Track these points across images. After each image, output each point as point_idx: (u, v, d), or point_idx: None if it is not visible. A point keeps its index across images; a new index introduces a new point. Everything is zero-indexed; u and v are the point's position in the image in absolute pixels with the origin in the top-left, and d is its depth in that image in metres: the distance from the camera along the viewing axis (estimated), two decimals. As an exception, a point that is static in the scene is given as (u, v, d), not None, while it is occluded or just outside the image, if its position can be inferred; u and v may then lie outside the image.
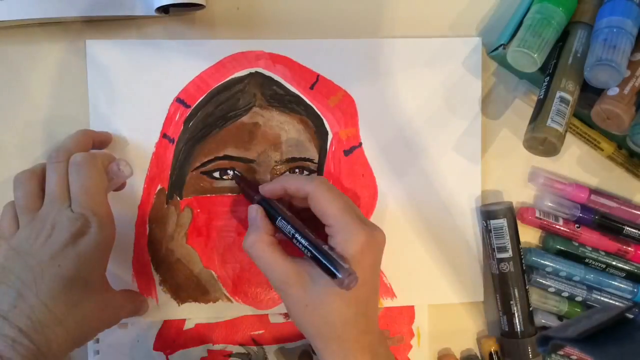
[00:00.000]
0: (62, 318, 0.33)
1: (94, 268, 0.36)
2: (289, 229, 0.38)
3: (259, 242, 0.38)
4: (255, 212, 0.40)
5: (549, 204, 0.47)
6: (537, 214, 0.47)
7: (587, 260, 0.48)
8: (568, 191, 0.47)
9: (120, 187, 0.42)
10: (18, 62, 0.43)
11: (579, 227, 0.47)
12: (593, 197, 0.48)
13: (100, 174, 0.38)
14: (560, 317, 0.48)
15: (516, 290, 0.46)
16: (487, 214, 0.46)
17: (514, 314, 0.46)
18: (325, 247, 0.37)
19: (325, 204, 0.38)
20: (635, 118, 0.39)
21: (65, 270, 0.34)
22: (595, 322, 0.27)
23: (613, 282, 0.48)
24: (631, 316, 0.27)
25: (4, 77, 0.43)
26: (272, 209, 0.40)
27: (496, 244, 0.46)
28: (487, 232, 0.46)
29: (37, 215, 0.36)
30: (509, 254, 0.46)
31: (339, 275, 0.35)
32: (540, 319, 0.48)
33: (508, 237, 0.45)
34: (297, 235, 0.38)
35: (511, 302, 0.46)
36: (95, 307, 0.36)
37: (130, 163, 0.41)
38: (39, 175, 0.38)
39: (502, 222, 0.46)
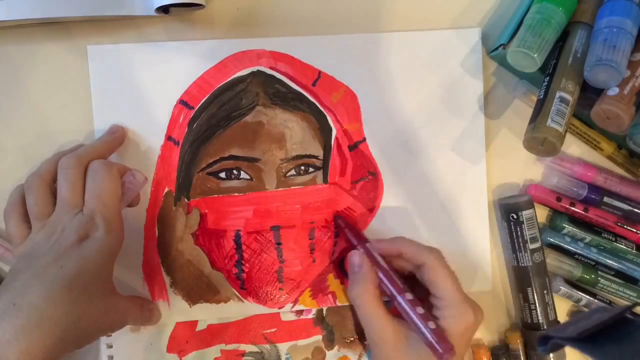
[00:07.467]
0: (58, 318, 0.33)
1: (97, 272, 0.36)
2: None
3: (367, 293, 0.39)
4: (360, 259, 0.41)
5: (557, 182, 0.47)
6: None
7: (597, 229, 0.48)
8: (576, 170, 0.47)
9: (134, 202, 0.43)
10: (18, 63, 0.43)
11: (586, 211, 0.48)
12: (600, 175, 0.47)
13: (115, 181, 0.38)
14: (572, 284, 0.48)
15: (547, 279, 0.46)
16: (516, 205, 0.46)
17: (547, 303, 0.46)
18: (430, 322, 0.38)
19: (441, 277, 0.39)
20: (635, 118, 0.39)
21: (67, 271, 0.34)
22: (595, 322, 0.28)
23: (624, 262, 0.48)
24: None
25: (4, 77, 0.43)
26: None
27: (529, 234, 0.46)
28: (517, 224, 0.46)
29: (48, 221, 0.37)
30: (538, 243, 0.46)
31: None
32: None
33: (537, 227, 0.46)
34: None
35: (545, 292, 0.46)
36: (95, 311, 0.36)
37: (136, 166, 0.41)
38: (48, 180, 0.39)
39: (532, 212, 0.46)
